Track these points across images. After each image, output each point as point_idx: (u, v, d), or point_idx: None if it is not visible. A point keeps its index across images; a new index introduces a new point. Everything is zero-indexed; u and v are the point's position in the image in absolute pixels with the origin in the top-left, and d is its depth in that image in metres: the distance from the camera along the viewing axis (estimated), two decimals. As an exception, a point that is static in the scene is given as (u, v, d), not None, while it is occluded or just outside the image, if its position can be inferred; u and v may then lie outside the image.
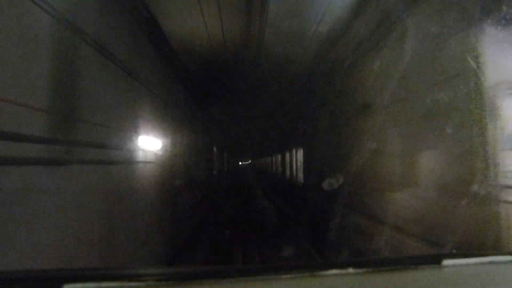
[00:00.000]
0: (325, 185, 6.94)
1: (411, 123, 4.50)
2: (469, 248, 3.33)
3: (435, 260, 1.13)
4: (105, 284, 0.92)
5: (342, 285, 1.03)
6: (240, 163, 74.25)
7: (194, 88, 11.35)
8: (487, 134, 3.30)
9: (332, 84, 9.36)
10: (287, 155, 20.51)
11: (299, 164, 16.73)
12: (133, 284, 0.93)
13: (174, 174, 8.24)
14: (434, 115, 3.95)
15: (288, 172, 19.68)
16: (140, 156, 5.36)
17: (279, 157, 28.33)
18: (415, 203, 4.29)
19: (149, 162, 5.87)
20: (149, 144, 5.82)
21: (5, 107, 2.29)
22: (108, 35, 4.23)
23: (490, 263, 1.14)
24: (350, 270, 1.05)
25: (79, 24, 3.44)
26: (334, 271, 1.04)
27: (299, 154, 16.57)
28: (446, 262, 1.11)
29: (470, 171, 3.36)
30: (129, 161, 4.92)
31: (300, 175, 15.89)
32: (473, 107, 3.40)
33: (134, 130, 5.12)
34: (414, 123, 4.40)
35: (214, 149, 26.83)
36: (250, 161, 74.04)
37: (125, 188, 4.68)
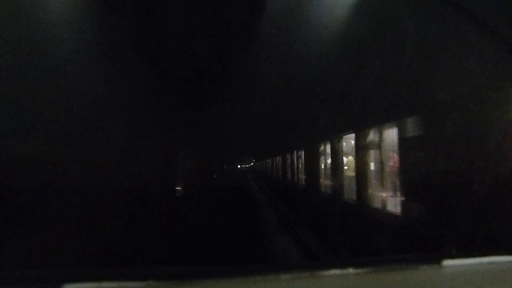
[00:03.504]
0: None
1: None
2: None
3: (435, 260, 1.13)
4: (105, 284, 0.92)
5: (342, 285, 1.03)
6: (238, 166, 63.76)
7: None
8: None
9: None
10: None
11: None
12: (133, 284, 0.93)
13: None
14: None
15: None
16: None
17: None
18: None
19: None
20: None
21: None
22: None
23: (490, 263, 1.14)
24: (350, 270, 1.05)
25: None
26: (334, 271, 1.04)
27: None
28: (446, 262, 1.11)
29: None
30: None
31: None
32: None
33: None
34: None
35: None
36: (252, 163, 59.97)
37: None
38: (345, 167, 10.91)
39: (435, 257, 1.15)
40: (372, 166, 8.26)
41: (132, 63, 9.06)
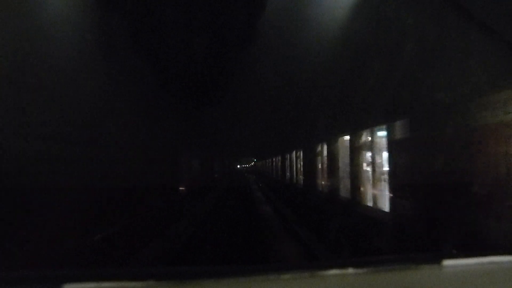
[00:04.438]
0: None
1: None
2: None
3: (435, 260, 1.13)
4: (105, 284, 0.92)
5: (342, 285, 1.03)
6: (238, 166, 60.74)
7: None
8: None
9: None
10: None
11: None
12: (133, 284, 0.93)
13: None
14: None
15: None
16: None
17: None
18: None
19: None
20: None
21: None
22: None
23: (490, 263, 1.14)
24: (350, 270, 1.05)
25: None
26: (334, 271, 1.04)
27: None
28: (446, 262, 1.11)
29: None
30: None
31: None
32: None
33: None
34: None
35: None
36: (253, 163, 55.71)
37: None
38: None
39: (435, 257, 1.15)
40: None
41: (134, 63, 9.06)
